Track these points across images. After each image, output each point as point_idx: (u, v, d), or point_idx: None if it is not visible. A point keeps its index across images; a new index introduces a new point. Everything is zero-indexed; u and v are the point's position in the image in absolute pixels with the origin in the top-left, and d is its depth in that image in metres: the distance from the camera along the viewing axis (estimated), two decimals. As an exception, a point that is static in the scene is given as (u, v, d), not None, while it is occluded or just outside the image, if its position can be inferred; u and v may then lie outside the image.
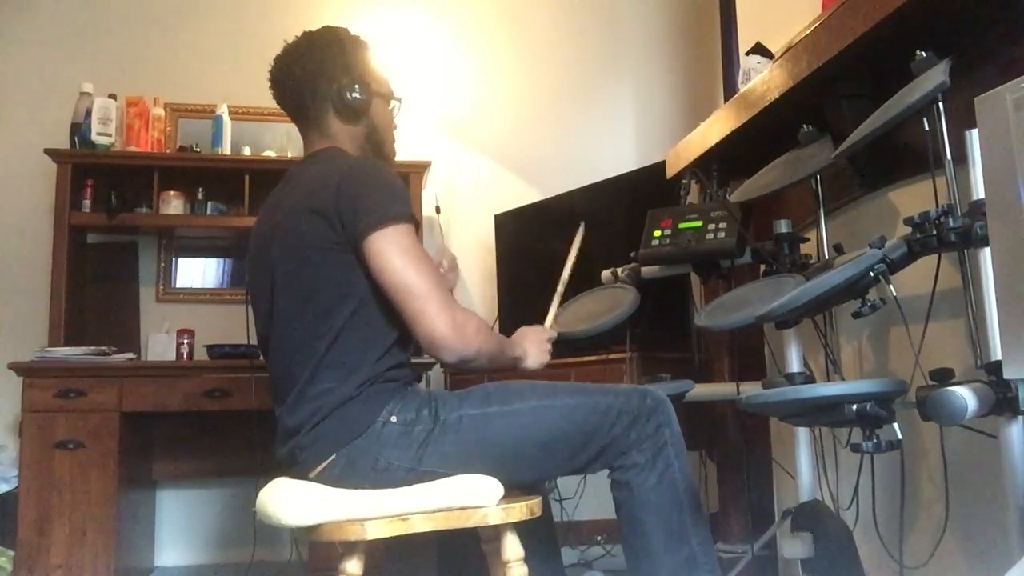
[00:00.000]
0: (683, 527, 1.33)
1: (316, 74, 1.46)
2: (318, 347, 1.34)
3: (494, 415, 1.34)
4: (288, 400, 1.37)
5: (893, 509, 1.48)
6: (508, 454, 1.34)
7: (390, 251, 1.31)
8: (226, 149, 3.06)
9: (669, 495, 1.34)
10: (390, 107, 1.58)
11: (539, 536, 1.55)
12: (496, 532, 1.32)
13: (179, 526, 3.03)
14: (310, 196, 1.38)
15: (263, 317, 1.46)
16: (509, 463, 1.35)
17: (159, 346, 2.95)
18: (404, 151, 2.03)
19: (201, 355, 2.87)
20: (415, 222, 1.38)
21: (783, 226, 1.57)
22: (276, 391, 1.43)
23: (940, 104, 1.12)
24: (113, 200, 2.89)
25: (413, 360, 1.49)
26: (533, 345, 1.54)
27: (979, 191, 1.09)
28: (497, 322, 3.15)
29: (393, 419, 1.31)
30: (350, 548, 1.28)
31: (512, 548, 1.31)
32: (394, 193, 1.37)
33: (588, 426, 1.35)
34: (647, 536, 1.33)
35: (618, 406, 1.36)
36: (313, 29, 1.53)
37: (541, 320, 1.69)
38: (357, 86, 1.46)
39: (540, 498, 1.36)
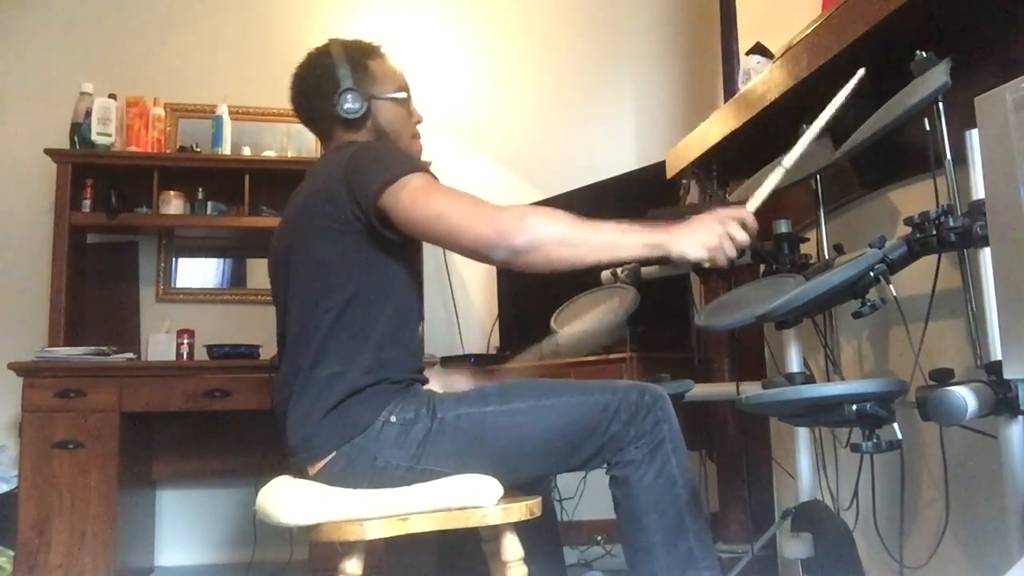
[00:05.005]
0: (681, 523, 1.33)
1: (313, 97, 1.52)
2: (320, 329, 1.35)
3: (492, 414, 1.34)
4: (295, 387, 1.37)
5: (893, 509, 1.48)
6: (506, 453, 1.34)
7: (404, 197, 1.30)
8: (226, 149, 3.06)
9: (667, 491, 1.33)
10: (400, 104, 1.56)
11: (542, 536, 1.55)
12: (496, 532, 1.32)
13: (179, 526, 3.03)
14: (320, 184, 1.41)
15: (280, 315, 1.48)
16: (507, 462, 1.35)
17: (159, 346, 2.95)
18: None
19: (201, 355, 2.87)
20: (431, 174, 1.36)
21: (783, 226, 1.57)
22: (284, 382, 1.43)
23: (940, 104, 1.12)
24: (113, 200, 2.89)
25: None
26: (693, 226, 1.26)
27: (979, 191, 1.08)
28: (498, 322, 3.16)
29: (393, 419, 1.32)
30: (350, 548, 1.28)
31: (512, 548, 1.31)
32: (402, 157, 1.39)
33: (587, 423, 1.35)
34: (645, 532, 1.33)
35: (616, 403, 1.35)
36: (317, 46, 1.55)
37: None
38: (349, 96, 1.48)
39: (539, 498, 1.36)
